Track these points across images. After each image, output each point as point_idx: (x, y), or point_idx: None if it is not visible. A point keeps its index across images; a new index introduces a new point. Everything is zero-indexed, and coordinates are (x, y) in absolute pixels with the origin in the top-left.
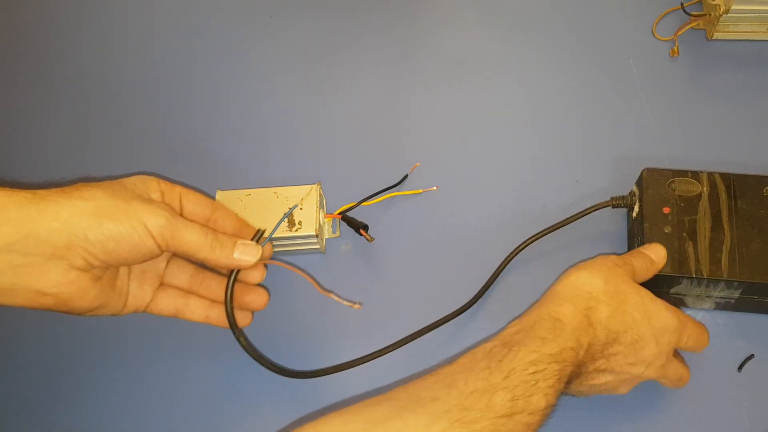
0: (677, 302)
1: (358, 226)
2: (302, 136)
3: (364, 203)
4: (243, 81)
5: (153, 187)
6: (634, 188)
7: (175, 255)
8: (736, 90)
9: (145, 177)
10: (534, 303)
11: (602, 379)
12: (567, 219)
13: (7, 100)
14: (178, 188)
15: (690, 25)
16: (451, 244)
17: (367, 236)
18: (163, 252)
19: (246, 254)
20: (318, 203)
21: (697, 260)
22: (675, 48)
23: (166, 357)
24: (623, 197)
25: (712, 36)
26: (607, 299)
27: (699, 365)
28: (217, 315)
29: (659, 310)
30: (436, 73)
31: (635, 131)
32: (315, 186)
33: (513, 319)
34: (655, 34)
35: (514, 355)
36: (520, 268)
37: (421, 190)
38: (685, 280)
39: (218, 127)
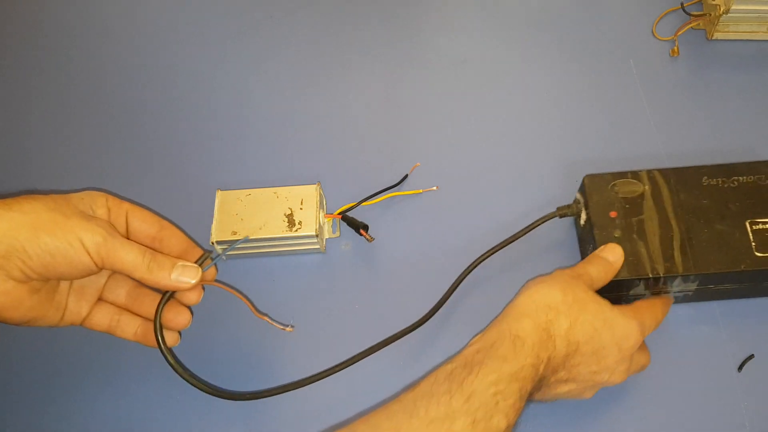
0: None
1: (358, 226)
2: (302, 135)
3: (364, 203)
4: (243, 81)
5: (99, 202)
6: (578, 196)
7: (113, 272)
8: (737, 90)
9: (93, 193)
10: (495, 318)
11: (565, 388)
12: (517, 233)
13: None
14: (126, 205)
15: (690, 25)
16: (450, 245)
17: (367, 236)
18: (100, 269)
19: (184, 276)
20: (318, 203)
21: (651, 259)
22: (675, 48)
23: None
24: (569, 206)
25: (712, 36)
26: (566, 310)
27: (699, 365)
28: (143, 333)
29: (618, 317)
30: (437, 72)
31: (635, 130)
32: (315, 186)
33: (475, 335)
34: (655, 34)
35: (474, 376)
36: (478, 282)
37: (421, 190)
38: (642, 281)
39: (218, 127)
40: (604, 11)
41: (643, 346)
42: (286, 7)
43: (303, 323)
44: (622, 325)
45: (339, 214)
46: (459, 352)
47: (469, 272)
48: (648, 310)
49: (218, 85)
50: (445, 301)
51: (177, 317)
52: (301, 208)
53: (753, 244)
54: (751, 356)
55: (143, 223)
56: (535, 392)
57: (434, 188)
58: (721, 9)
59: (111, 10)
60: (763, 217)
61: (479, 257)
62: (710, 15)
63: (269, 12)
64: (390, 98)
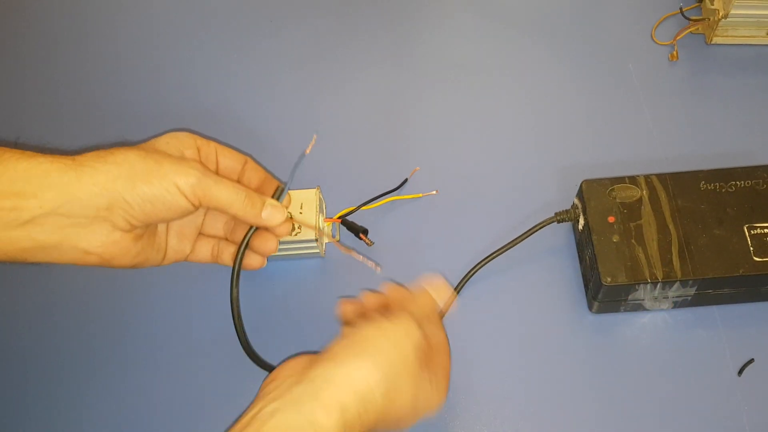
0: (636, 308)
1: (358, 231)
2: (302, 139)
3: (363, 207)
4: (242, 85)
5: (188, 143)
6: (576, 201)
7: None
8: (736, 94)
9: (179, 134)
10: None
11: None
12: (515, 239)
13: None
14: (213, 144)
15: (689, 30)
16: (450, 249)
17: (367, 240)
18: (197, 208)
19: (273, 215)
20: (318, 207)
21: (650, 265)
22: (674, 52)
23: (166, 361)
24: (566, 211)
25: (711, 40)
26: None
27: (699, 370)
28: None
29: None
30: (436, 76)
31: (634, 135)
32: (314, 190)
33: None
34: (655, 39)
35: None
36: (476, 287)
37: (420, 194)
38: (641, 286)
39: (218, 131)
40: (603, 16)
41: (434, 328)
42: (285, 11)
43: (303, 327)
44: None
45: (339, 218)
46: None
47: (468, 279)
48: (411, 302)
49: (217, 89)
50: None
51: (265, 244)
52: (300, 212)
53: (751, 248)
54: (751, 361)
55: (230, 161)
56: None
57: (434, 192)
58: (720, 13)
59: (112, 16)
60: (761, 221)
61: (477, 263)
62: (709, 19)
63: (269, 16)
64: (389, 102)
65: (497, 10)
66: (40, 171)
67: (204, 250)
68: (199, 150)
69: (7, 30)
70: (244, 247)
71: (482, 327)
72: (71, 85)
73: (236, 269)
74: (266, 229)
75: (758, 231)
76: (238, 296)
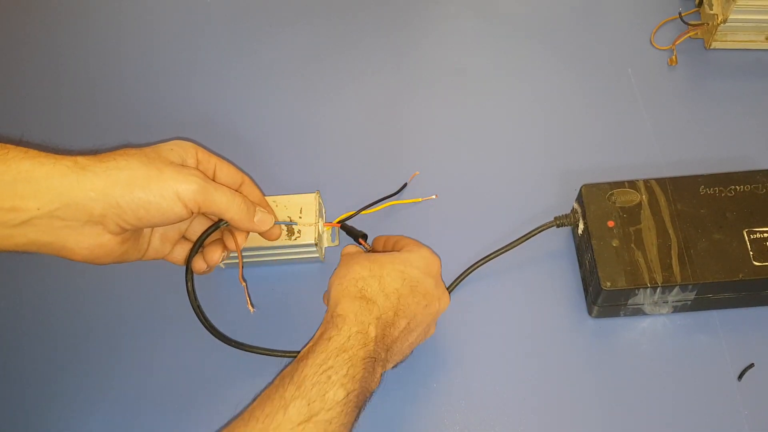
0: (635, 312)
1: (357, 235)
2: (302, 144)
3: (363, 212)
4: (242, 90)
5: (190, 153)
6: (575, 205)
7: (204, 215)
8: (735, 98)
9: (183, 143)
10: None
11: (413, 335)
12: (514, 242)
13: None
14: (214, 158)
15: (688, 35)
16: (449, 254)
17: (366, 245)
18: (193, 215)
19: (263, 221)
20: (317, 212)
21: (649, 269)
22: (673, 57)
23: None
24: (566, 216)
25: (710, 45)
26: (369, 274)
27: (699, 375)
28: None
29: (409, 254)
30: (435, 81)
31: (633, 139)
32: (314, 195)
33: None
34: (654, 44)
35: (304, 365)
36: (474, 291)
37: (420, 199)
38: (640, 291)
39: (217, 136)
40: (602, 20)
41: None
42: (285, 17)
43: (303, 331)
44: (416, 258)
45: (338, 222)
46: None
47: (465, 277)
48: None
49: (217, 94)
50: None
51: (231, 242)
52: (300, 217)
53: (751, 253)
54: (751, 365)
55: (228, 177)
56: (387, 354)
57: (433, 197)
58: (719, 18)
59: (113, 23)
60: (760, 225)
61: (475, 263)
62: (708, 24)
63: (269, 21)
64: (389, 107)
65: (496, 15)
66: (42, 172)
67: (181, 252)
68: (198, 162)
69: (14, 32)
70: (206, 234)
71: (482, 331)
72: (71, 85)
73: (189, 259)
74: (258, 233)
75: (758, 235)
76: (193, 289)
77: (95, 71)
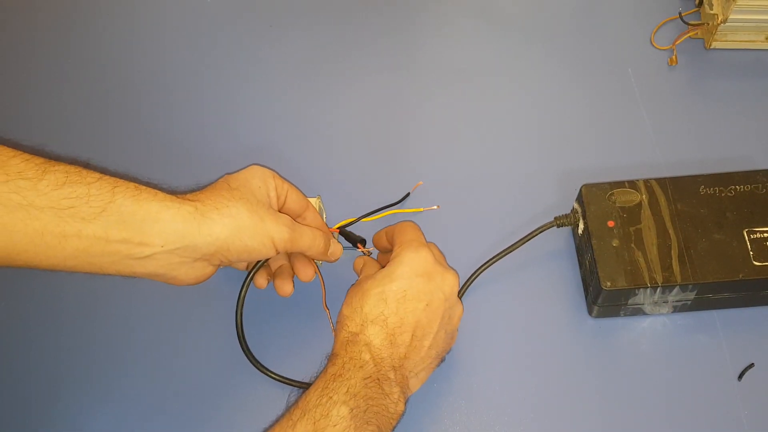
0: (635, 312)
1: (356, 241)
2: (305, 148)
3: (364, 219)
4: (243, 93)
5: (271, 186)
6: (576, 205)
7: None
8: (735, 98)
9: (263, 172)
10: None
11: (426, 342)
12: (514, 243)
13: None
14: (286, 185)
15: (688, 35)
16: (449, 258)
17: (364, 250)
18: (276, 254)
19: (335, 253)
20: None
21: (650, 269)
22: (673, 57)
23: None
24: (566, 216)
25: (710, 45)
26: (350, 312)
27: (699, 375)
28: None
29: (392, 267)
30: (437, 83)
31: (633, 139)
32: (316, 199)
33: None
34: (654, 43)
35: (306, 393)
36: (476, 292)
37: (422, 209)
38: (640, 291)
39: (218, 140)
40: (602, 20)
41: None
42: (285, 18)
43: (303, 332)
44: (398, 266)
45: (337, 228)
46: None
47: (470, 284)
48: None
49: (218, 97)
50: None
51: (303, 270)
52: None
53: (751, 253)
54: (751, 365)
55: (296, 203)
56: (399, 373)
57: (435, 207)
58: (719, 18)
59: (110, 24)
60: (760, 225)
61: (478, 268)
62: (708, 24)
63: (269, 22)
64: (390, 109)
65: (497, 16)
66: (168, 215)
67: (261, 279)
68: (276, 189)
69: (25, 43)
70: (251, 276)
71: (482, 331)
72: (73, 84)
73: (242, 294)
74: (328, 261)
75: (758, 235)
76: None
77: (95, 69)
